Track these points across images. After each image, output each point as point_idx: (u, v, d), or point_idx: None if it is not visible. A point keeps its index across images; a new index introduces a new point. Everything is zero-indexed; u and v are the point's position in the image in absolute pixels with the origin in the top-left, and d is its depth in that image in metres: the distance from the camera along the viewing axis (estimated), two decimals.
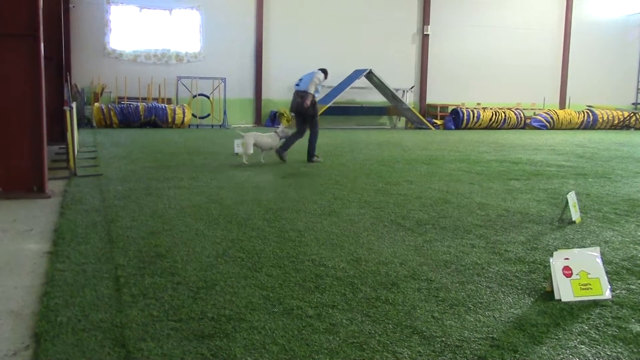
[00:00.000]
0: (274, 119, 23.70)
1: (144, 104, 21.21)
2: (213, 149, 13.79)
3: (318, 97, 11.56)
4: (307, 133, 11.56)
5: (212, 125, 22.54)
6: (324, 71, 11.61)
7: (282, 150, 11.09)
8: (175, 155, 12.12)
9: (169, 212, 6.31)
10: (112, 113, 20.59)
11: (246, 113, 24.06)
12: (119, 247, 4.88)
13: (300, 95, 11.18)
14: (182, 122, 21.35)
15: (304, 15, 24.07)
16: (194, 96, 22.54)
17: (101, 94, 21.61)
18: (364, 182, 8.85)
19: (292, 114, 11.83)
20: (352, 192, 7.92)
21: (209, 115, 22.78)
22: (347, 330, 3.31)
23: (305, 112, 11.21)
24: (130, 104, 21.13)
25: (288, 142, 11.24)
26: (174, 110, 21.19)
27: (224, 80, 22.57)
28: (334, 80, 23.59)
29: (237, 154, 12.24)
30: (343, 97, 23.24)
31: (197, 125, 22.48)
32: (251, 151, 10.83)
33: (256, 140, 10.96)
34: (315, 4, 24.19)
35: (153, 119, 20.90)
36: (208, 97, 22.74)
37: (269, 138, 11.14)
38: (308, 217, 6.25)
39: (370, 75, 23.01)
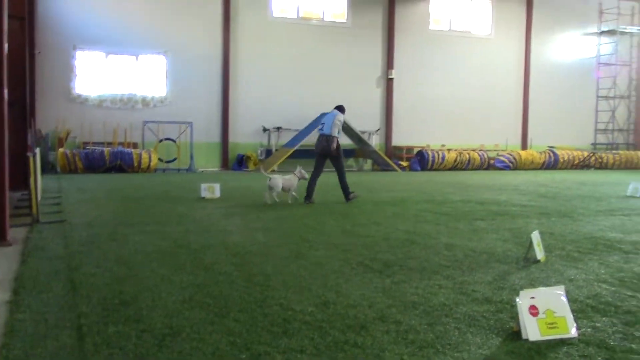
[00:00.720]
0: (241, 162, 23.70)
1: (109, 148, 21.05)
2: (180, 193, 13.69)
3: (339, 135, 12.11)
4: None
5: (179, 170, 22.43)
6: (341, 108, 12.24)
7: (346, 197, 11.80)
8: (142, 200, 11.99)
9: (134, 258, 6.21)
10: (76, 158, 20.35)
11: (213, 157, 24.03)
12: (82, 295, 4.77)
13: (325, 138, 11.69)
14: (149, 166, 21.21)
15: (272, 59, 24.36)
16: (160, 140, 22.46)
17: (66, 139, 21.39)
18: (331, 224, 8.86)
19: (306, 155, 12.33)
20: (320, 234, 7.91)
21: (175, 159, 22.68)
22: None
23: (330, 154, 11.73)
24: (95, 149, 20.94)
25: (310, 186, 11.69)
26: (140, 155, 21.06)
27: (190, 124, 22.58)
28: (300, 123, 23.83)
29: (204, 197, 12.18)
30: (310, 140, 23.36)
31: (164, 170, 22.34)
32: (279, 191, 11.44)
33: (282, 182, 11.52)
34: (282, 48, 24.53)
35: (119, 163, 20.72)
36: (174, 141, 22.68)
37: (290, 180, 11.69)
38: (276, 260, 6.21)
39: None
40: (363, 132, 24.32)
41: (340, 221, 9.16)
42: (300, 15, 24.97)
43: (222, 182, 14.09)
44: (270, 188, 11.47)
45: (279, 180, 11.49)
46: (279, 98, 24.34)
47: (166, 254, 6.45)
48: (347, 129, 23.56)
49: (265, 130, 24.16)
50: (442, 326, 4.14)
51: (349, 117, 23.41)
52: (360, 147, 24.58)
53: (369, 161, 25.44)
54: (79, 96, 22.42)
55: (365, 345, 3.75)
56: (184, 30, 23.33)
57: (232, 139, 24.08)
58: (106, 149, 20.85)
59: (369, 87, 25.91)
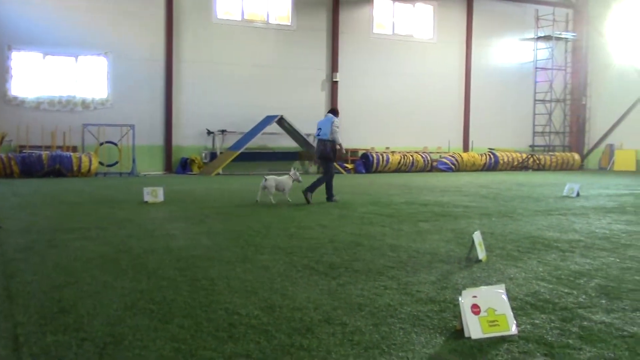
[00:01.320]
0: (185, 165, 23.38)
1: (47, 152, 20.43)
2: (122, 197, 13.40)
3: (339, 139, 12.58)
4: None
5: (121, 173, 21.97)
6: (335, 111, 12.72)
7: (328, 198, 12.31)
8: (81, 205, 11.68)
9: (73, 265, 6.04)
10: (12, 162, 19.68)
11: (156, 160, 23.64)
12: (19, 304, 4.60)
13: (323, 143, 12.22)
14: (89, 170, 20.69)
15: (216, 62, 24.15)
16: (101, 144, 21.95)
17: (1, 142, 20.65)
18: (277, 227, 8.84)
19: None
20: (265, 237, 7.88)
21: (117, 162, 22.21)
22: None
23: (325, 157, 12.24)
24: (32, 153, 20.30)
25: (315, 184, 12.25)
26: (80, 159, 20.52)
27: (132, 127, 22.14)
28: (245, 126, 23.70)
29: (147, 202, 11.96)
30: (255, 143, 23.30)
31: (105, 174, 21.84)
32: (273, 191, 12.06)
33: (276, 183, 12.13)
34: (226, 51, 24.34)
35: (57, 167, 20.13)
36: (116, 145, 22.20)
37: (283, 181, 12.31)
38: (221, 264, 6.15)
39: (281, 121, 23.25)
40: (308, 135, 24.37)
41: (285, 224, 9.15)
42: (245, 17, 24.85)
43: (165, 186, 13.88)
44: (264, 188, 11.98)
45: (272, 181, 12.06)
46: (223, 101, 24.14)
47: (107, 260, 6.30)
48: (292, 131, 23.58)
49: (209, 133, 23.93)
50: (388, 327, 4.18)
51: (295, 119, 23.53)
52: (306, 150, 24.63)
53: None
54: (15, 98, 21.71)
55: (311, 347, 3.75)
56: (126, 31, 22.89)
57: (175, 142, 23.75)
58: (44, 153, 20.24)
59: (314, 90, 25.99)
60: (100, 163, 21.77)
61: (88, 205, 11.60)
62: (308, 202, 12.00)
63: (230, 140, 23.97)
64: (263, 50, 24.95)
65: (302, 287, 5.26)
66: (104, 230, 8.42)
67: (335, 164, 12.51)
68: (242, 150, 22.31)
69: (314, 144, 12.32)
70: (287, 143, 24.85)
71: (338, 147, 12.30)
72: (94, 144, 21.86)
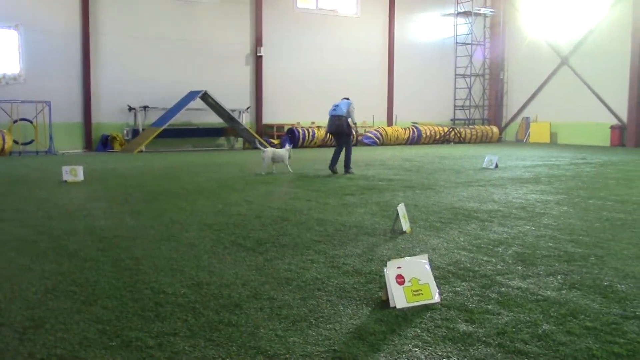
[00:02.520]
0: (106, 143, 22.69)
1: None
2: (39, 177, 12.89)
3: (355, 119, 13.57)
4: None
5: (37, 152, 21.09)
6: (349, 99, 13.64)
7: (346, 169, 13.26)
8: None
9: None
10: None
11: (75, 138, 22.80)
12: None
13: (338, 118, 13.08)
14: (2, 149, 19.76)
15: (135, 36, 23.39)
16: (15, 121, 20.95)
17: None
18: (203, 204, 8.75)
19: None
20: (191, 215, 7.79)
21: (32, 141, 21.29)
22: (190, 358, 3.24)
23: (342, 132, 13.16)
24: None
25: (334, 158, 13.28)
26: None
27: (48, 103, 21.23)
28: (168, 102, 23.19)
29: (66, 181, 11.56)
30: (178, 119, 22.84)
31: (20, 153, 20.90)
32: (269, 161, 13.16)
33: (273, 154, 13.28)
34: (146, 25, 23.61)
35: None
36: (31, 122, 21.26)
37: (281, 152, 13.45)
38: (145, 243, 6.04)
39: (205, 97, 22.86)
40: (233, 111, 24.10)
41: (212, 200, 9.07)
42: None
43: (85, 165, 13.46)
44: (262, 159, 13.08)
45: (269, 153, 13.21)
46: (144, 76, 23.48)
47: (25, 242, 6.08)
48: (216, 107, 23.26)
49: (131, 109, 23.27)
50: (315, 300, 4.24)
51: (219, 95, 23.20)
52: (231, 126, 24.38)
53: (240, 140, 25.30)
54: None
55: (239, 323, 3.76)
56: (38, 2, 21.79)
57: (95, 119, 22.95)
58: None
59: (238, 64, 25.65)
60: (15, 142, 20.83)
61: (3, 186, 11.10)
62: (351, 173, 13.16)
63: (153, 117, 23.40)
64: (186, 24, 24.35)
65: (229, 263, 5.25)
66: (21, 211, 8.10)
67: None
68: (165, 126, 21.83)
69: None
70: (212, 119, 24.49)
71: (353, 125, 13.38)
72: (7, 121, 20.85)
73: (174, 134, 23.42)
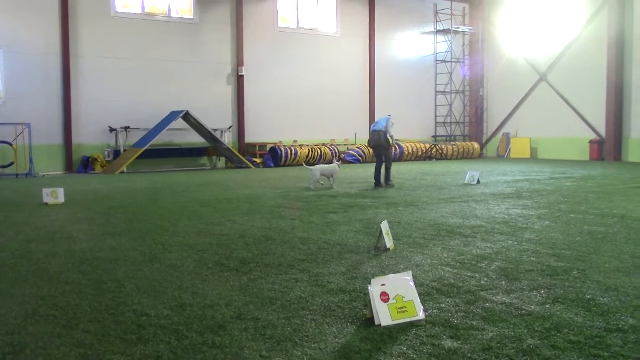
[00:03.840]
0: (87, 164, 22.51)
1: None
2: (19, 199, 12.74)
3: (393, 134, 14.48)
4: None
5: (17, 175, 20.85)
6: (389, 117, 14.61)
7: (386, 181, 14.31)
8: None
9: None
10: None
11: (55, 159, 22.59)
12: None
13: (378, 133, 14.06)
14: None
15: (116, 56, 23.32)
16: None
17: None
18: (185, 224, 8.69)
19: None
20: (173, 235, 7.73)
21: (12, 163, 21.05)
22: None
23: (381, 145, 14.06)
24: None
25: (377, 172, 14.38)
26: None
27: (28, 125, 21.03)
28: (149, 122, 23.11)
29: (46, 203, 11.44)
30: (160, 140, 22.74)
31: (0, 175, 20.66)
32: (318, 177, 14.07)
33: (322, 170, 14.15)
34: (127, 45, 23.57)
35: None
36: (11, 144, 21.04)
37: (330, 168, 14.21)
38: (127, 265, 5.98)
39: (187, 117, 22.81)
40: (215, 130, 24.06)
41: (194, 221, 9.01)
42: (145, 10, 24.14)
43: (66, 186, 13.34)
44: (312, 175, 13.92)
45: (317, 170, 14.02)
46: (125, 96, 23.39)
47: (4, 266, 5.98)
48: (198, 126, 23.22)
49: (112, 130, 23.13)
50: (300, 319, 4.21)
51: (201, 114, 23.16)
52: (213, 145, 24.32)
53: (223, 159, 25.24)
54: None
55: (223, 344, 3.72)
56: (18, 24, 21.67)
57: (75, 140, 22.78)
58: None
59: (219, 84, 25.66)
60: None
61: None
62: (391, 185, 14.27)
63: (135, 137, 23.27)
64: (166, 44, 24.34)
65: (212, 284, 5.21)
66: (0, 235, 7.98)
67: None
68: (147, 147, 21.72)
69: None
70: (194, 139, 24.43)
71: (390, 137, 14.14)
72: None
73: (156, 154, 23.31)
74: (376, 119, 14.67)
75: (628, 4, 24.79)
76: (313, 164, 18.46)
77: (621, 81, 25.00)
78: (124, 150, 22.81)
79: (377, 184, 14.19)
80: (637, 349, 3.58)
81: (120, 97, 23.22)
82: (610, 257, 6.09)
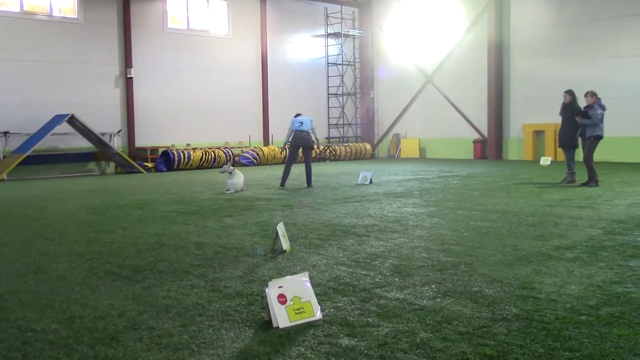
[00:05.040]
0: None
1: None
2: None
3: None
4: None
5: None
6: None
7: (310, 183, 14.47)
8: None
9: None
10: None
11: None
12: None
13: (307, 134, 14.25)
14: None
15: None
16: None
17: None
18: (73, 233, 8.31)
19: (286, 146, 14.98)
20: (60, 245, 7.37)
21: None
22: None
23: (310, 146, 14.40)
24: None
25: (286, 173, 14.36)
26: None
27: None
28: (32, 126, 21.90)
29: None
30: (44, 145, 21.59)
31: None
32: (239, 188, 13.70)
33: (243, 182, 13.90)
34: (4, 46, 22.20)
35: None
36: None
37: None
38: (10, 278, 5.64)
39: (72, 120, 21.80)
40: (103, 134, 23.15)
41: (83, 229, 8.64)
42: (24, 9, 22.85)
43: None
44: (233, 185, 13.63)
45: (241, 183, 13.78)
46: (4, 100, 22.01)
47: None
48: (85, 130, 22.27)
49: None
50: (196, 326, 4.14)
51: (87, 118, 22.23)
52: (102, 150, 23.40)
53: (112, 164, 24.35)
54: None
55: (117, 356, 3.59)
56: None
57: None
58: None
59: (107, 86, 24.72)
60: None
61: None
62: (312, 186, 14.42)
63: (15, 143, 21.95)
64: (48, 45, 23.14)
65: (104, 294, 5.02)
66: None
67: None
68: (29, 153, 20.56)
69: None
70: (81, 143, 23.38)
71: (316, 139, 14.57)
72: None
73: (40, 160, 22.11)
74: (293, 118, 14.93)
75: (505, 11, 26.30)
76: (208, 168, 18.14)
77: (501, 84, 26.48)
78: (4, 157, 21.48)
79: (284, 184, 14.30)
80: (520, 337, 3.80)
81: None
82: (494, 251, 6.44)
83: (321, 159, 28.72)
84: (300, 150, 14.59)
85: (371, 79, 32.33)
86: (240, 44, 28.67)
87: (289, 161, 14.65)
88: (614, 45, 22.70)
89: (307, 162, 14.69)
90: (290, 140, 14.54)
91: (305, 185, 14.53)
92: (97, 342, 3.84)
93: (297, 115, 15.03)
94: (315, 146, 14.79)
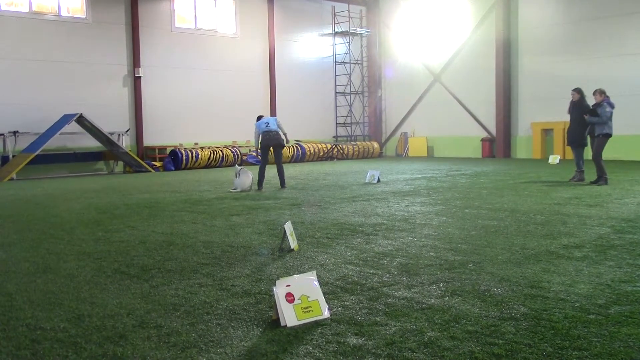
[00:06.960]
0: None
1: None
2: None
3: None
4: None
5: None
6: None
7: (284, 184, 14.34)
8: None
9: None
10: None
11: None
12: None
13: (277, 133, 14.02)
14: None
15: (3, 57, 22.03)
16: None
17: None
18: (82, 232, 8.35)
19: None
20: (69, 244, 7.40)
21: None
22: None
23: (281, 145, 14.19)
24: None
25: (262, 174, 14.09)
26: None
27: None
28: (41, 126, 22.01)
29: None
30: (52, 144, 21.70)
31: None
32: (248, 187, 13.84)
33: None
34: (14, 46, 22.30)
35: None
36: None
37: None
38: (19, 277, 5.67)
39: (81, 120, 21.90)
40: (112, 134, 23.24)
41: (91, 228, 8.67)
42: (33, 9, 22.97)
43: None
44: (241, 184, 13.79)
45: (249, 183, 13.86)
46: (14, 100, 22.13)
47: None
48: (93, 130, 22.36)
49: None
50: (204, 324, 4.15)
51: (96, 117, 22.31)
52: (110, 149, 23.49)
53: (121, 163, 24.44)
54: None
55: (125, 355, 3.60)
56: None
57: None
58: None
59: (115, 86, 24.82)
60: None
61: None
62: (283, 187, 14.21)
63: (25, 142, 22.06)
64: (57, 44, 23.25)
65: (112, 293, 5.04)
66: None
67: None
68: (38, 152, 20.67)
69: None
70: (89, 143, 23.48)
71: (284, 137, 14.42)
72: None
73: (49, 159, 22.22)
74: (262, 119, 14.43)
75: (513, 9, 26.20)
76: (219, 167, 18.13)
77: (509, 82, 26.38)
78: (13, 156, 21.61)
79: (261, 187, 14.00)
80: (528, 336, 3.79)
81: (7, 100, 21.97)
82: (502, 250, 6.42)
83: (329, 158, 28.72)
84: (271, 149, 14.13)
85: (379, 77, 32.29)
86: (247, 43, 28.69)
87: (262, 163, 14.33)
88: (622, 43, 22.58)
89: (279, 162, 14.37)
90: (260, 141, 14.16)
91: (279, 187, 14.28)
92: (105, 341, 3.85)
93: (260, 117, 14.76)
94: (285, 144, 14.59)
